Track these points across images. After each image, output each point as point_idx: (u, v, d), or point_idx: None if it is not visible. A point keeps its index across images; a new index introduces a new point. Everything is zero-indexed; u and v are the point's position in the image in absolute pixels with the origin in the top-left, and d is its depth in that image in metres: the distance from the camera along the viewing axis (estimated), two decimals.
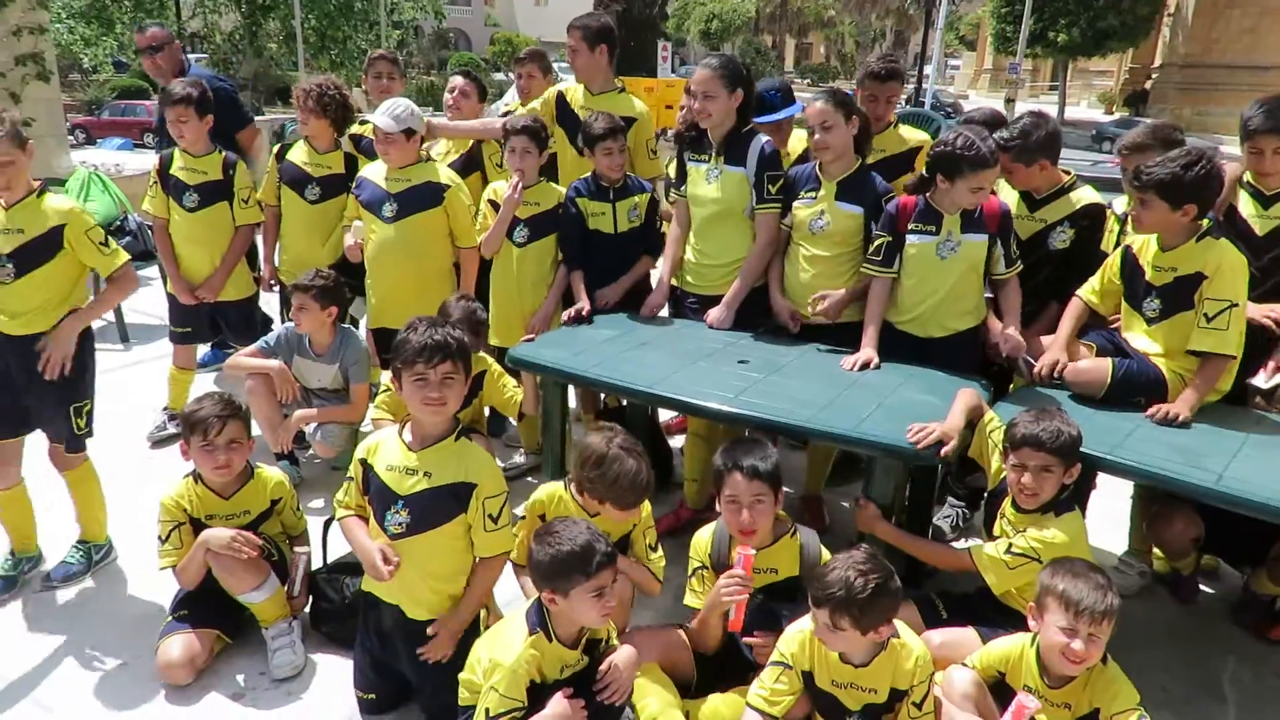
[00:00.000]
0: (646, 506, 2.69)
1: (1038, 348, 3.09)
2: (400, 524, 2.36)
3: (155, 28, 4.81)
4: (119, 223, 6.05)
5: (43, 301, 2.97)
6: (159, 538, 2.77)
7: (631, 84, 14.90)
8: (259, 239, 4.43)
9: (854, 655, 2.20)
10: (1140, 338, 2.90)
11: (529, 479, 4.04)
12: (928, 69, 28.20)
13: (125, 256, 3.11)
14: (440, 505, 2.35)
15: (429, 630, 2.42)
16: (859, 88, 3.79)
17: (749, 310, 3.55)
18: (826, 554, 2.57)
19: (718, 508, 2.55)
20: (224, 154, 4.20)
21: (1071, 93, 36.87)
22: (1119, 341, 2.98)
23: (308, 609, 2.94)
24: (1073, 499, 2.53)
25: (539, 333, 3.80)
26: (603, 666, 2.24)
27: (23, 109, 7.69)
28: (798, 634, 2.28)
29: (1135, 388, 2.83)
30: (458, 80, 4.48)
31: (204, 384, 4.50)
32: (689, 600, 2.60)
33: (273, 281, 4.45)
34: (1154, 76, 35.18)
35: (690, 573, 2.62)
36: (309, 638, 2.88)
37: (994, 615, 2.56)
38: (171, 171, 4.10)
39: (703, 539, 2.64)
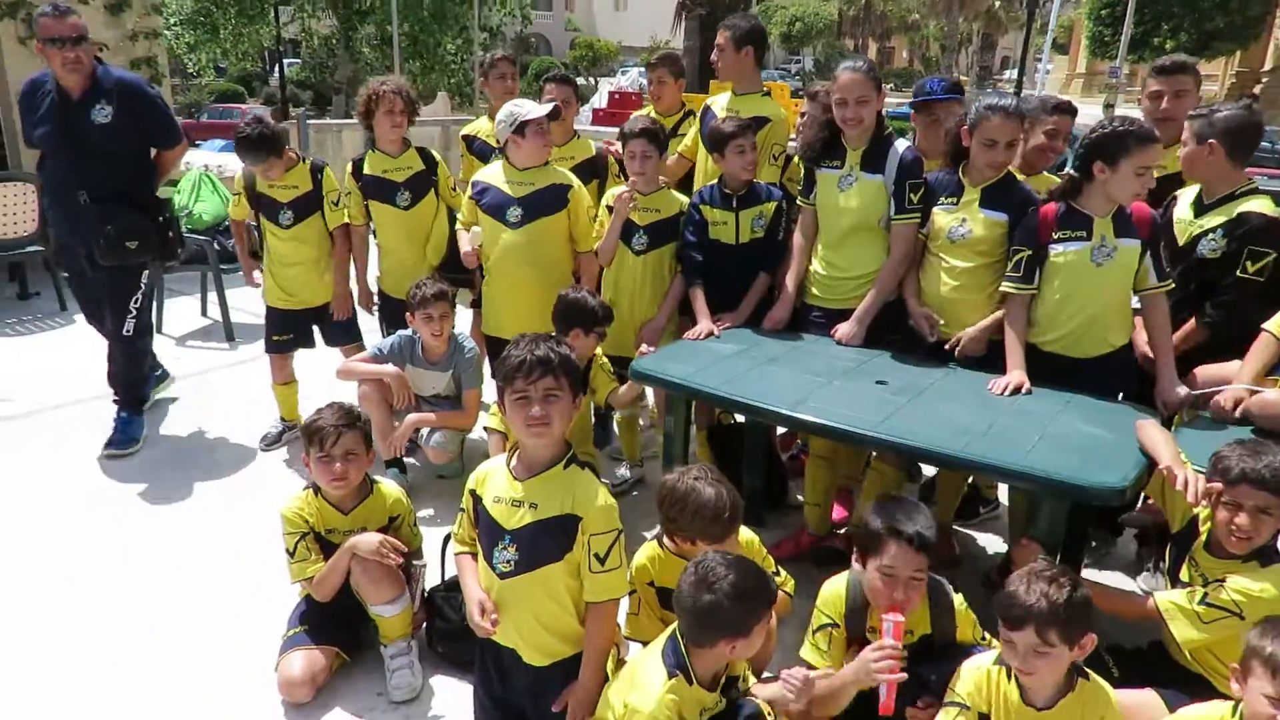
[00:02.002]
0: (751, 539, 2.51)
1: (1215, 375, 2.82)
2: (509, 561, 2.20)
3: (75, 16, 3.74)
4: (227, 223, 6.12)
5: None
6: (287, 551, 2.71)
7: (718, 88, 14.76)
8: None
9: (1039, 694, 2.00)
10: None
11: (634, 493, 3.92)
12: (1036, 74, 27.13)
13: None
14: (549, 540, 2.18)
15: (553, 708, 2.26)
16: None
17: (878, 326, 3.36)
18: (959, 598, 2.35)
19: (855, 565, 2.33)
20: (310, 161, 4.17)
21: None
22: None
23: (423, 627, 2.85)
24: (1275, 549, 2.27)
25: (651, 344, 3.67)
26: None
27: None
28: (973, 672, 2.09)
29: None
30: (553, 88, 4.25)
31: (317, 388, 4.48)
32: (808, 654, 2.36)
33: (375, 304, 4.36)
34: (1264, 80, 33.41)
35: (815, 627, 2.37)
36: (424, 658, 2.79)
37: (1171, 675, 2.32)
38: (258, 189, 4.10)
39: (836, 593, 2.38)
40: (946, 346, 3.14)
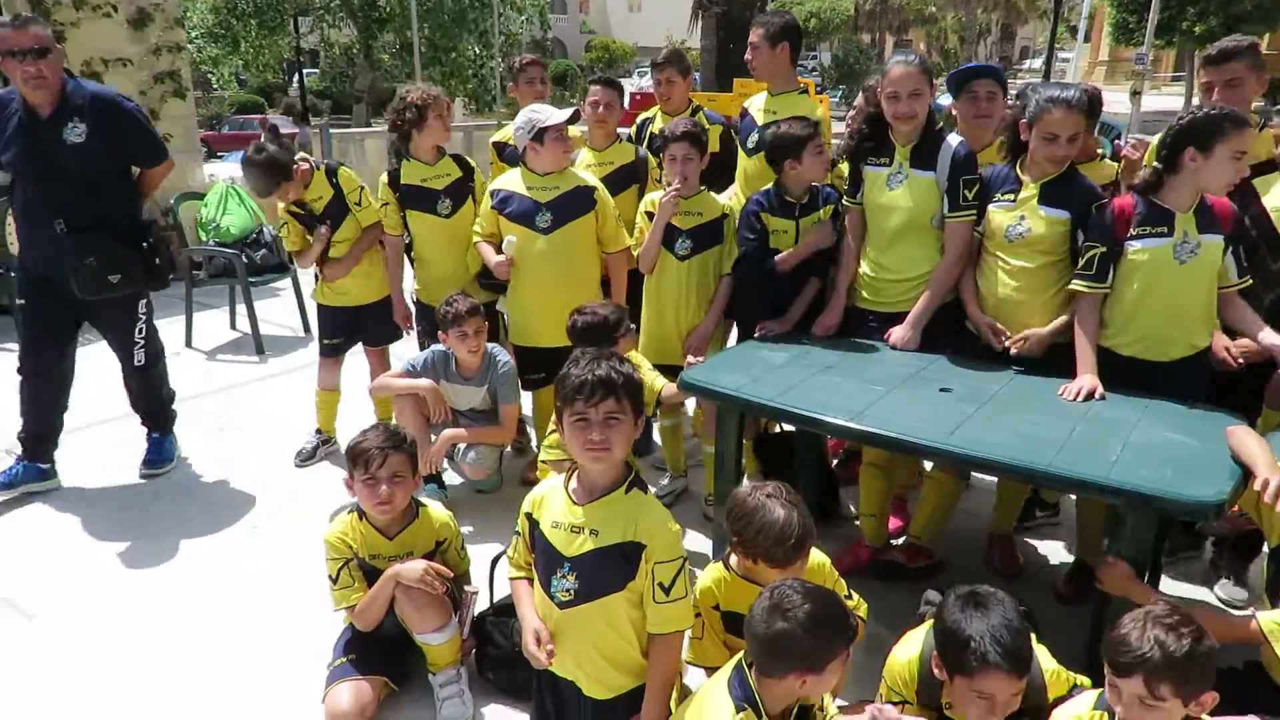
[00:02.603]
0: (823, 562, 2.37)
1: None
2: (568, 590, 2.08)
3: (38, 27, 3.42)
4: (255, 235, 6.09)
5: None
6: (330, 577, 2.61)
7: (744, 86, 14.51)
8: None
9: None
10: None
11: (676, 505, 3.80)
12: (1055, 62, 26.77)
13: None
14: (610, 568, 2.06)
15: None
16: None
17: (934, 329, 3.22)
18: (1046, 665, 2.12)
19: (936, 672, 2.03)
20: (323, 167, 4.08)
21: (1196, 84, 34.65)
22: None
23: (472, 654, 2.75)
24: None
25: (698, 352, 3.55)
26: None
27: (160, 126, 7.91)
28: (1074, 719, 1.94)
29: None
30: (598, 91, 4.11)
31: (356, 402, 4.40)
32: None
33: (410, 325, 4.26)
34: None
35: (885, 700, 2.18)
36: (475, 685, 2.68)
37: (1271, 698, 2.16)
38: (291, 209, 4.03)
39: (904, 665, 2.17)
40: (1007, 344, 2.99)
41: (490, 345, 3.71)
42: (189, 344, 6.00)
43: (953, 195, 3.08)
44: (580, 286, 3.76)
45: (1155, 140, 3.27)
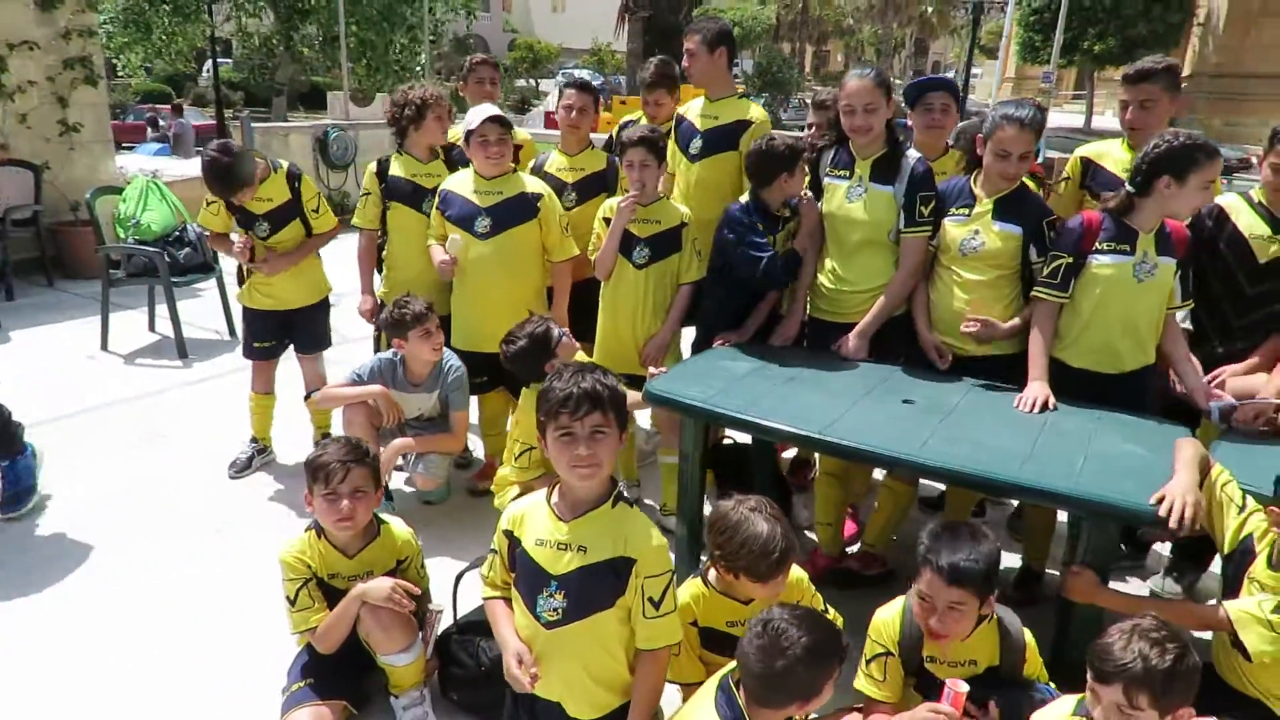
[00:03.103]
0: (801, 577, 2.38)
1: (1243, 386, 2.80)
2: (555, 609, 2.03)
3: None
4: (178, 233, 5.79)
5: None
6: (287, 599, 2.48)
7: (687, 93, 14.62)
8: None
9: None
10: None
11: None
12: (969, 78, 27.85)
13: None
14: (599, 585, 2.01)
15: None
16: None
17: (891, 339, 3.27)
18: (1029, 635, 2.27)
19: (913, 586, 2.23)
20: (285, 168, 3.93)
21: (1096, 101, 36.35)
22: None
23: (434, 675, 2.66)
24: None
25: (656, 362, 3.53)
26: None
27: (70, 114, 7.52)
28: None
29: None
30: (572, 95, 4.02)
31: (291, 409, 4.23)
32: (863, 685, 2.26)
33: (380, 316, 4.09)
34: (1183, 86, 34.73)
35: (869, 657, 2.27)
36: (438, 706, 2.60)
37: (1224, 699, 2.25)
38: (241, 204, 3.84)
39: (888, 621, 2.28)
40: (963, 328, 3.05)
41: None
42: (104, 347, 5.68)
43: (909, 211, 3.13)
44: (523, 294, 3.71)
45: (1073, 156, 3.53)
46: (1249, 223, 3.08)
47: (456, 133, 4.35)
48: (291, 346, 4.15)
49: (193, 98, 31.71)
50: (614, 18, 36.11)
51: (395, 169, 3.91)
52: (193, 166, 10.84)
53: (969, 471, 2.37)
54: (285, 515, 3.73)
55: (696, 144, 3.82)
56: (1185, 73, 35.06)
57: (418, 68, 17.03)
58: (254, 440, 4.15)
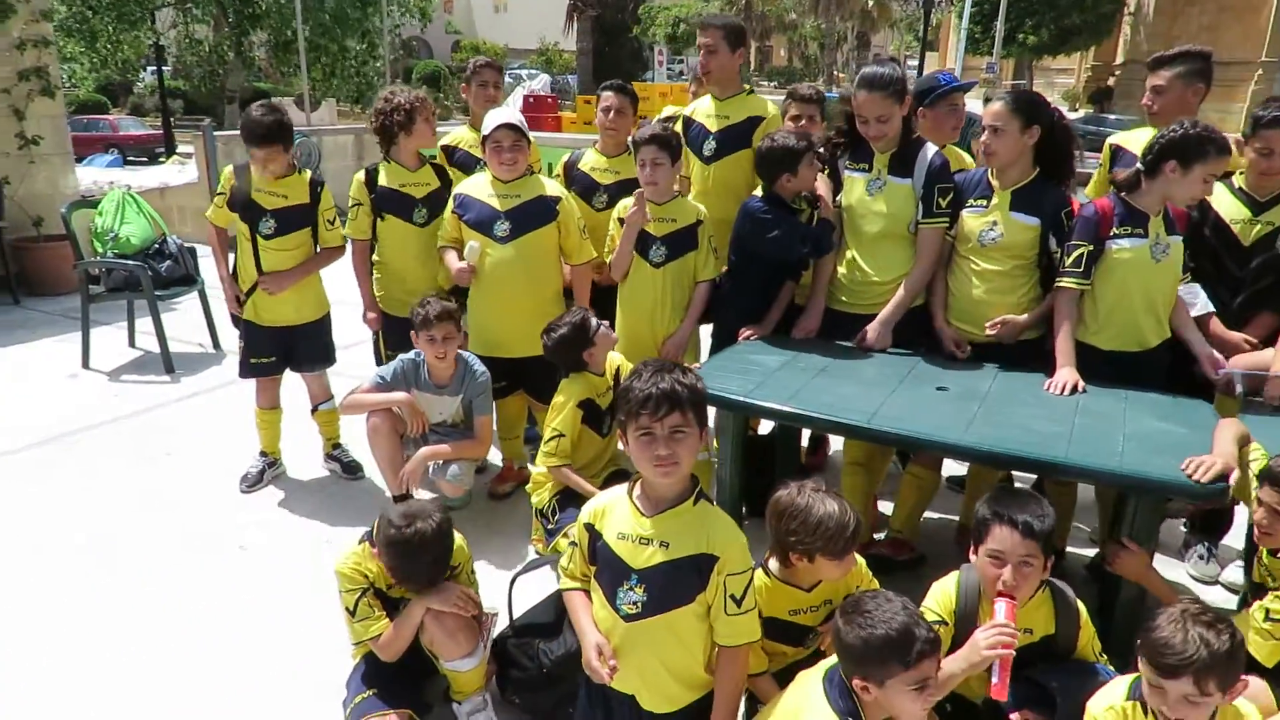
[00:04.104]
0: (861, 562, 2.45)
1: (1252, 362, 2.92)
2: (635, 603, 2.04)
3: None
4: (157, 245, 5.64)
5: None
6: (347, 609, 2.46)
7: (645, 90, 14.64)
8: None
9: None
10: None
11: None
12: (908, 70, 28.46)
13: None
14: (681, 581, 2.02)
15: None
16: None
17: (911, 329, 3.34)
18: (1083, 607, 2.35)
19: (971, 558, 2.31)
20: (309, 174, 3.89)
21: (1034, 89, 37.38)
22: None
23: (493, 678, 2.66)
24: None
25: (676, 359, 3.56)
26: None
27: (27, 126, 7.30)
28: (1109, 711, 1.99)
29: None
30: (610, 96, 3.97)
31: (298, 423, 4.16)
32: None
33: (377, 327, 4.07)
34: (1117, 73, 35.82)
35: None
36: (498, 709, 2.59)
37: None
38: (251, 194, 3.77)
39: (945, 592, 2.34)
40: (987, 331, 3.12)
41: (466, 354, 3.60)
42: (86, 365, 5.52)
43: (927, 202, 3.20)
44: (542, 297, 3.70)
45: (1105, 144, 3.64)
46: (1229, 207, 3.19)
47: (456, 135, 4.35)
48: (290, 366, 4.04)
49: (129, 107, 30.88)
50: (556, 17, 36.07)
51: (384, 179, 3.84)
52: (153, 177, 10.58)
53: (1020, 454, 2.45)
54: (308, 527, 3.68)
55: (710, 146, 3.84)
56: (1117, 60, 36.24)
57: (374, 74, 16.79)
58: (263, 454, 4.08)
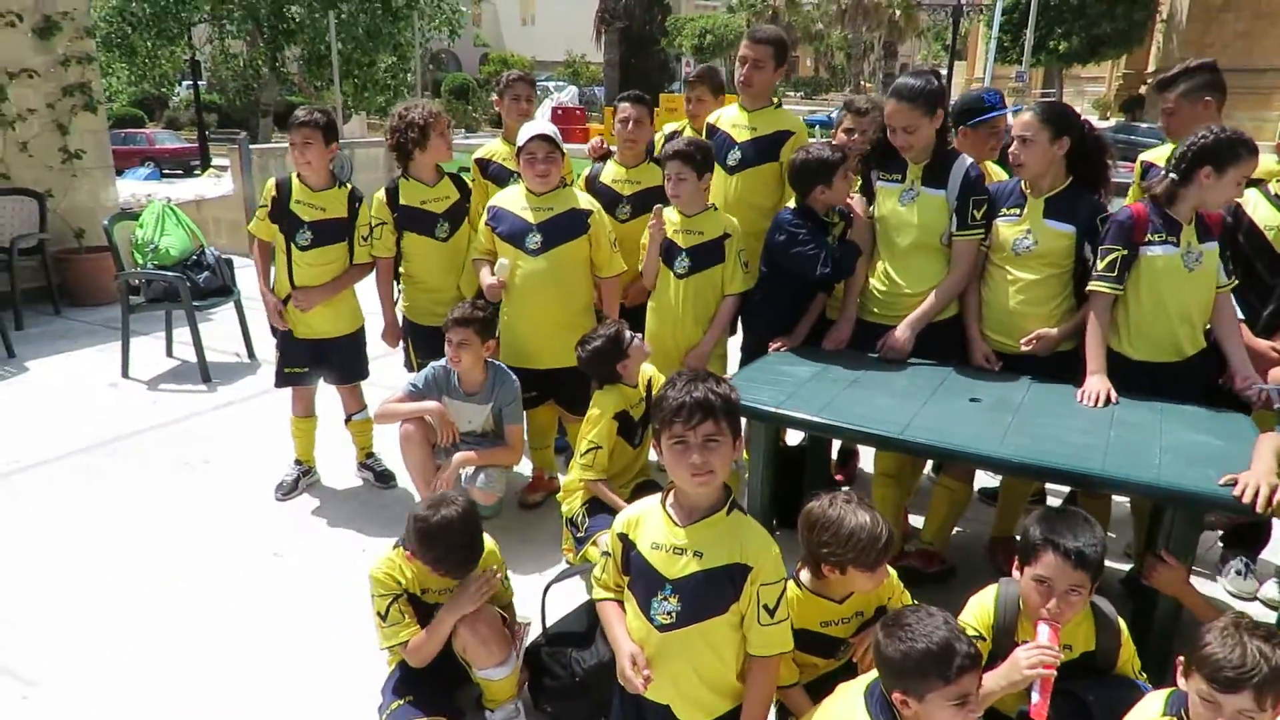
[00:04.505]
0: (893, 573, 2.45)
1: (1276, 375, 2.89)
2: (669, 613, 2.05)
3: None
4: (195, 256, 5.75)
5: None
6: (378, 614, 2.50)
7: (672, 101, 14.71)
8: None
9: None
10: None
11: None
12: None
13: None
14: (715, 591, 2.04)
15: None
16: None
17: (942, 340, 3.32)
18: (1122, 623, 2.32)
19: (1015, 574, 2.29)
20: (350, 188, 3.96)
21: (1065, 99, 37.05)
22: None
23: (525, 686, 2.68)
24: None
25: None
26: None
27: (70, 141, 7.47)
28: None
29: None
30: (627, 107, 4.00)
31: (331, 433, 4.22)
32: None
33: (397, 343, 4.14)
34: (1149, 82, 35.39)
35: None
36: (532, 718, 2.62)
37: None
38: (290, 205, 3.84)
39: (984, 606, 2.33)
40: (1022, 343, 3.11)
41: (496, 362, 3.64)
42: (126, 374, 5.63)
43: (961, 214, 3.20)
44: (572, 309, 3.73)
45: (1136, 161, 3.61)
46: (1265, 215, 3.16)
47: (490, 148, 4.40)
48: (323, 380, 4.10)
49: (166, 120, 31.52)
50: (583, 29, 36.32)
51: (404, 197, 3.86)
52: (189, 190, 10.78)
53: (1056, 466, 2.44)
54: (341, 535, 3.73)
55: (735, 156, 3.85)
56: (1150, 69, 35.83)
57: (404, 88, 17.01)
58: (298, 463, 4.14)
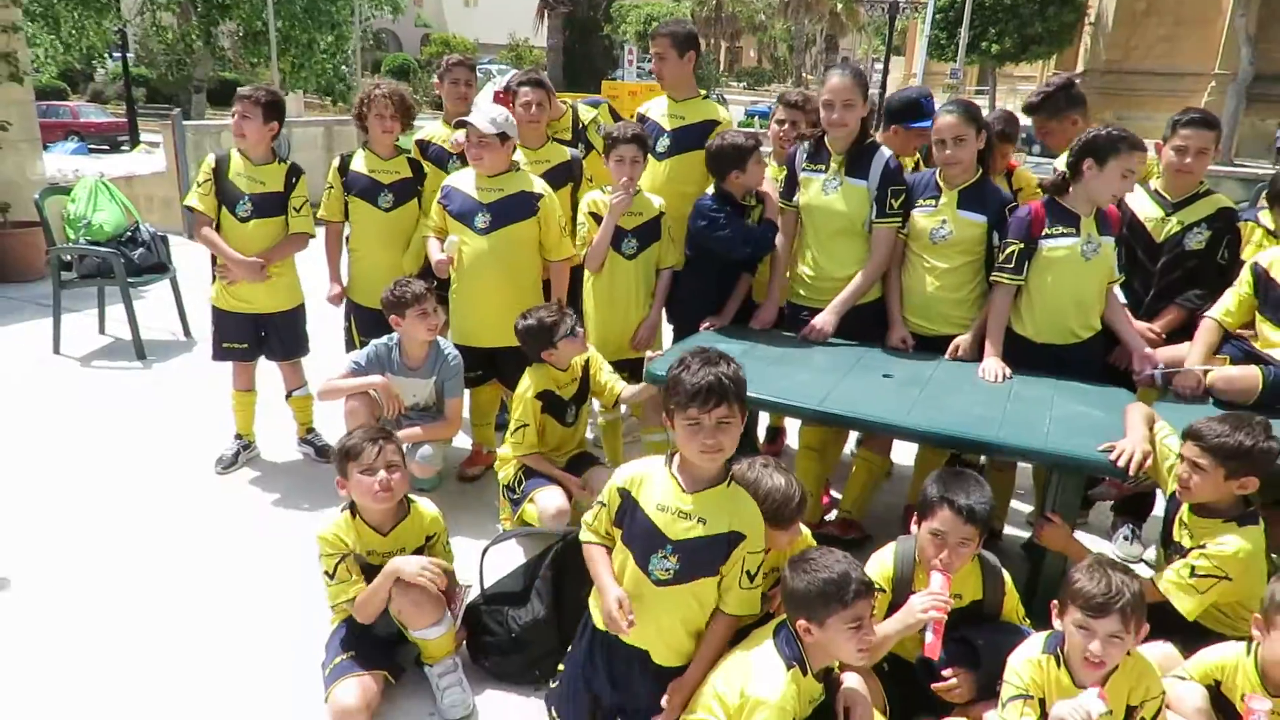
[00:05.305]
0: (808, 534, 2.64)
1: (1170, 355, 3.16)
2: (668, 570, 2.22)
3: None
4: (130, 233, 5.69)
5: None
6: (326, 574, 2.61)
7: (614, 88, 14.79)
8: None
9: (1090, 678, 2.19)
10: None
11: None
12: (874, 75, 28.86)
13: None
14: (711, 554, 2.21)
15: (663, 702, 2.28)
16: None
17: (866, 323, 3.53)
18: (1006, 574, 2.55)
19: (913, 529, 2.51)
20: (289, 164, 4.01)
21: (998, 97, 38.03)
22: (1251, 350, 3.07)
23: (464, 643, 2.82)
24: (1257, 513, 2.56)
25: (648, 344, 3.76)
26: (848, 705, 2.18)
27: None
28: (1027, 663, 2.23)
29: None
30: (527, 91, 4.08)
31: (268, 405, 4.27)
32: None
33: (339, 301, 4.22)
34: (1078, 82, 36.57)
35: None
36: (469, 672, 2.75)
37: (1172, 623, 2.58)
38: (229, 176, 3.88)
39: (884, 562, 2.56)
40: (947, 356, 3.35)
41: (439, 339, 3.73)
42: (57, 351, 5.56)
43: (880, 203, 3.41)
44: (519, 289, 3.83)
45: None
46: (1143, 206, 3.44)
47: (430, 130, 4.48)
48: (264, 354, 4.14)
49: (90, 94, 30.39)
50: (526, 13, 35.97)
51: (356, 164, 4.04)
52: (120, 165, 10.51)
53: (957, 434, 2.66)
54: (282, 509, 3.80)
55: (664, 143, 4.01)
56: (1078, 69, 37.00)
57: (344, 66, 16.77)
58: (238, 437, 4.19)
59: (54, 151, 11.13)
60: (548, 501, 3.22)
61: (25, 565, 3.29)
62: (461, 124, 3.71)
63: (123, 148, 19.02)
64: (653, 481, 2.28)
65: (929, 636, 2.28)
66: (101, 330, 6.01)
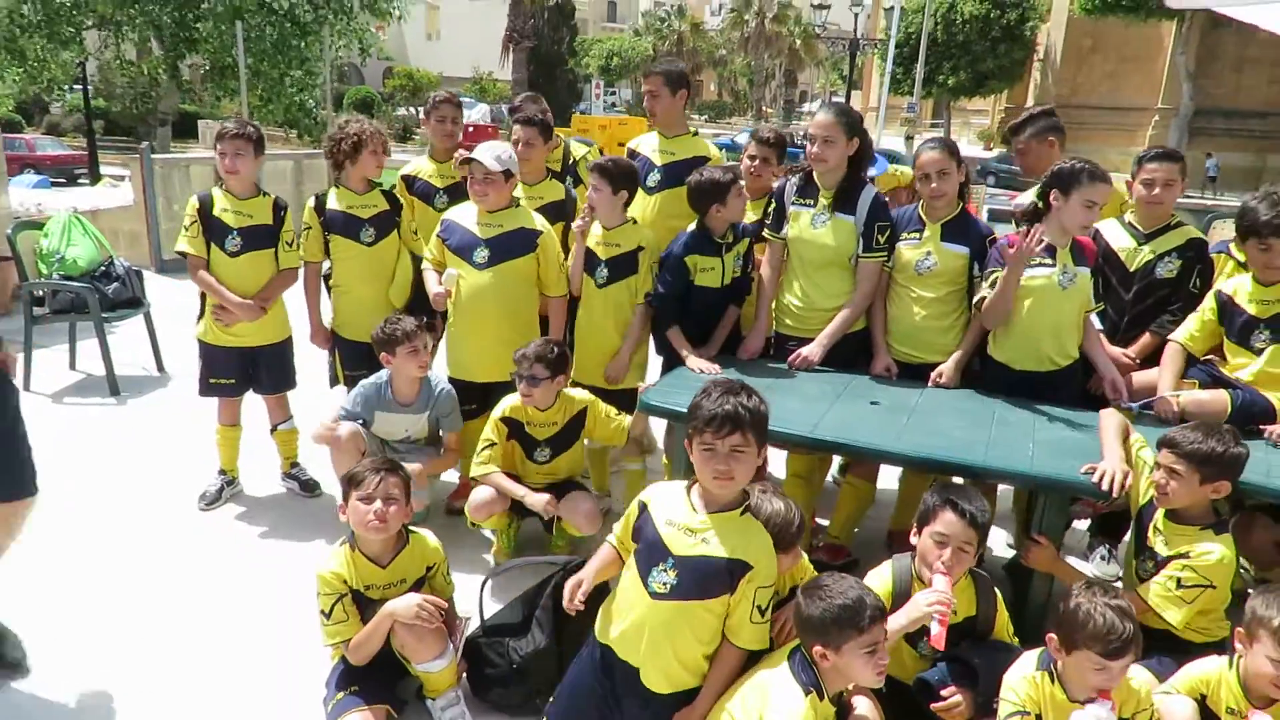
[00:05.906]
0: (804, 556, 2.70)
1: (1133, 380, 3.31)
2: (665, 584, 2.23)
3: None
4: (104, 267, 5.64)
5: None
6: (322, 613, 2.60)
7: (585, 122, 14.96)
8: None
9: (1083, 694, 2.26)
10: (1248, 369, 3.12)
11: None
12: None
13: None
14: (711, 577, 2.20)
15: None
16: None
17: (852, 352, 3.63)
18: (999, 593, 2.63)
19: (913, 539, 2.56)
20: (274, 198, 4.02)
21: (952, 130, 39.05)
22: (1218, 375, 3.21)
23: (465, 676, 2.82)
24: (1228, 522, 2.67)
25: (617, 382, 3.79)
26: None
27: None
28: (1023, 679, 2.30)
29: (1251, 416, 3.04)
30: (518, 130, 4.13)
31: (254, 441, 4.24)
32: None
33: (326, 344, 4.20)
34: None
35: None
36: (471, 705, 2.75)
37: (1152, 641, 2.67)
38: (214, 213, 3.88)
39: (883, 578, 2.61)
40: (930, 383, 3.45)
41: (430, 375, 3.75)
42: (28, 387, 5.46)
43: (868, 238, 3.52)
44: (515, 325, 3.82)
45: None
46: (1117, 237, 3.58)
47: (416, 165, 4.52)
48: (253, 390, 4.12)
49: (46, 126, 29.95)
50: (490, 47, 36.28)
51: (332, 202, 4.00)
52: (84, 199, 10.37)
53: (944, 459, 2.75)
54: (267, 544, 3.77)
55: (655, 177, 4.10)
56: (1029, 103, 38.14)
57: (311, 101, 16.75)
58: (222, 472, 4.15)
59: (14, 185, 10.94)
60: (479, 494, 3.40)
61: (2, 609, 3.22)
62: (467, 160, 3.75)
63: (80, 181, 18.73)
64: (669, 499, 2.33)
65: (934, 628, 2.34)
66: (73, 366, 5.91)
